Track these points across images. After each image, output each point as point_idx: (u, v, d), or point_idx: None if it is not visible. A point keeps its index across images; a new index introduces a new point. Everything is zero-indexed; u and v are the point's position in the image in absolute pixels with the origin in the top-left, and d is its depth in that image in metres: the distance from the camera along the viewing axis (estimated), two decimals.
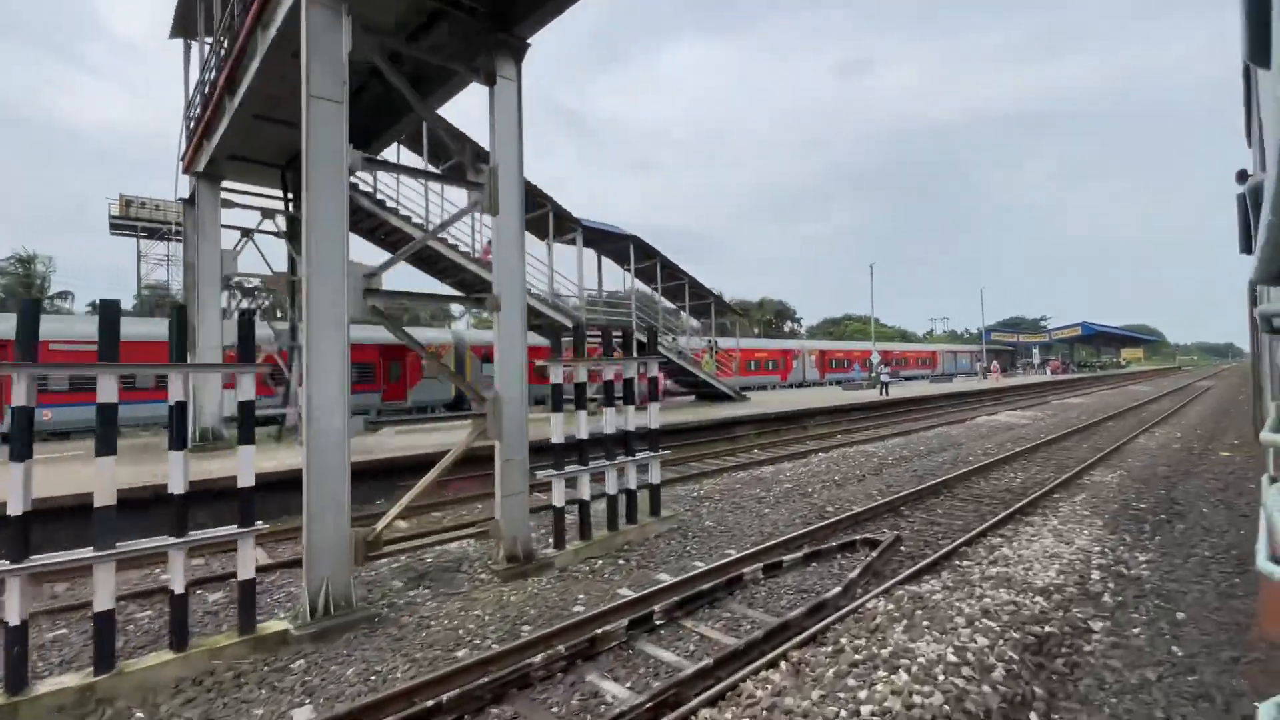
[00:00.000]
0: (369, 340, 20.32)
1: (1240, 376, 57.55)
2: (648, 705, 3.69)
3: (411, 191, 23.85)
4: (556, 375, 7.12)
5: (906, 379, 44.06)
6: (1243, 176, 2.32)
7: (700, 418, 17.46)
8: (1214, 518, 8.38)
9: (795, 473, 12.12)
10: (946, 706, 3.58)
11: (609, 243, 21.07)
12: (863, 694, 3.72)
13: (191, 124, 13.54)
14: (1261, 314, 1.36)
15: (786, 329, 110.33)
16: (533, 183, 16.17)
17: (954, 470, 12.23)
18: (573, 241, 20.02)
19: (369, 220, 14.84)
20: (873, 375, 33.62)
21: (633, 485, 7.72)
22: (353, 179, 6.28)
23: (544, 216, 18.32)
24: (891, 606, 5.05)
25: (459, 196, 17.04)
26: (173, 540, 4.49)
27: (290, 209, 14.85)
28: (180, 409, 4.57)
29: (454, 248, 16.44)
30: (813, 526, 7.74)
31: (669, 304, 25.96)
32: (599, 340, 19.41)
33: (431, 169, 17.04)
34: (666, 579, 6.10)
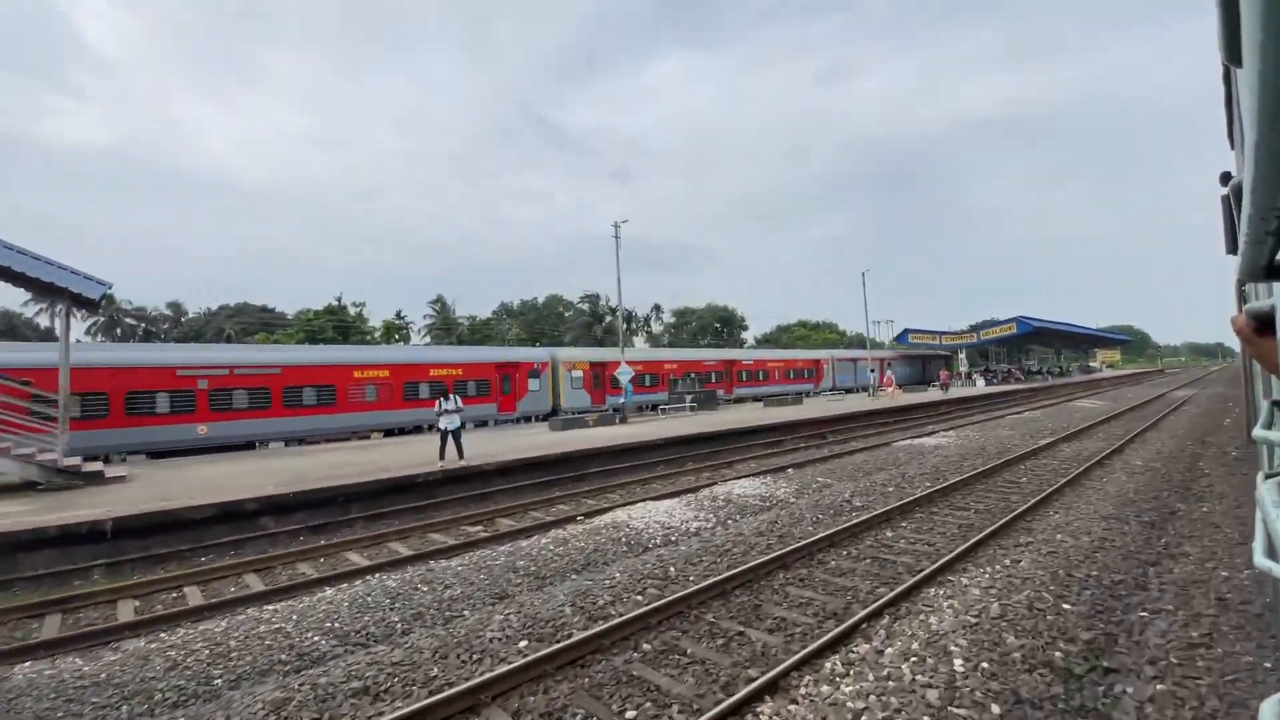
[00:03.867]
0: None
1: (1225, 383, 44.85)
2: None
3: None
4: None
5: (760, 397, 31.06)
6: (1226, 178, 2.51)
7: None
8: None
9: None
10: None
11: None
12: None
13: None
14: (1250, 312, 1.10)
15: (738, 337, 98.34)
16: None
17: None
18: None
19: None
20: (624, 401, 20.70)
21: None
22: None
23: None
24: None
25: None
26: None
27: None
28: None
29: None
30: None
31: None
32: None
33: None
34: None
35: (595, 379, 25.25)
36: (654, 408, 24.75)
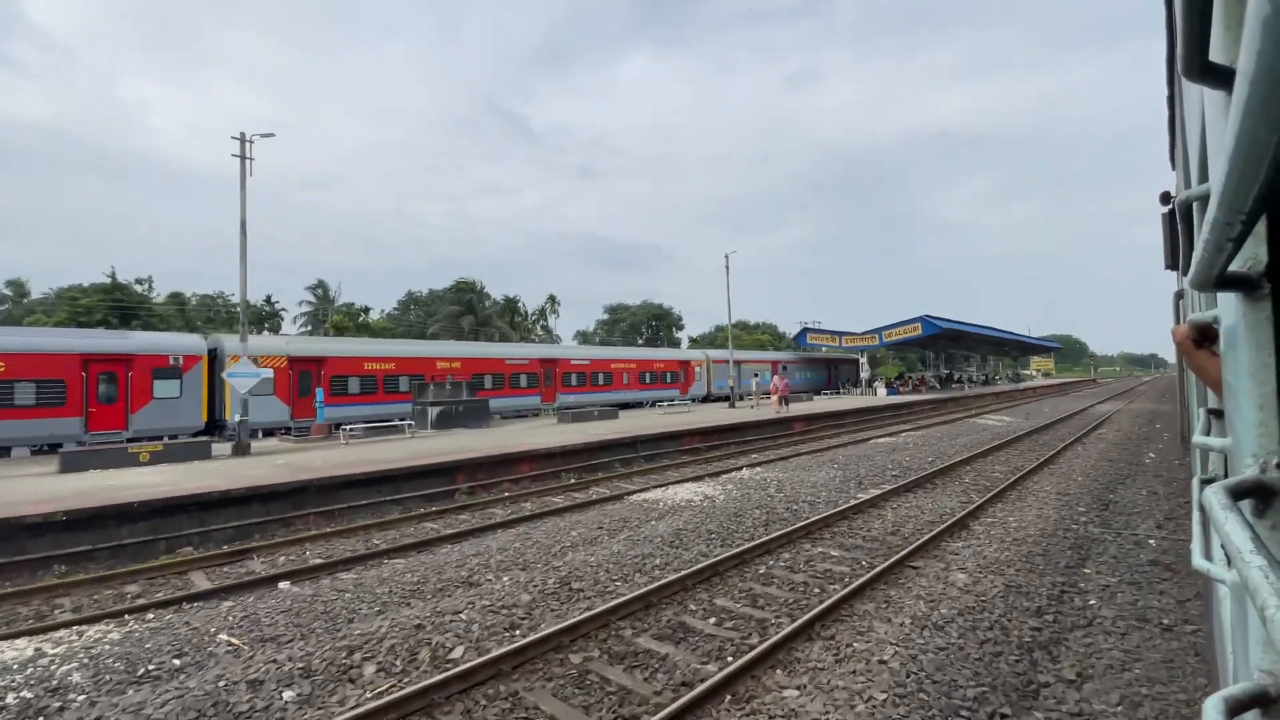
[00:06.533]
0: None
1: (1155, 397, 40.32)
2: None
3: None
4: None
5: (603, 406, 24.17)
6: (1166, 198, 2.58)
7: None
8: None
9: None
10: None
11: None
12: None
13: None
14: (1192, 323, 1.12)
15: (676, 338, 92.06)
16: None
17: None
18: None
19: None
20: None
21: None
22: None
23: None
24: None
25: None
26: None
27: None
28: None
29: None
30: None
31: None
32: None
33: None
34: None
35: (301, 381, 17.57)
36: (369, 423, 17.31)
